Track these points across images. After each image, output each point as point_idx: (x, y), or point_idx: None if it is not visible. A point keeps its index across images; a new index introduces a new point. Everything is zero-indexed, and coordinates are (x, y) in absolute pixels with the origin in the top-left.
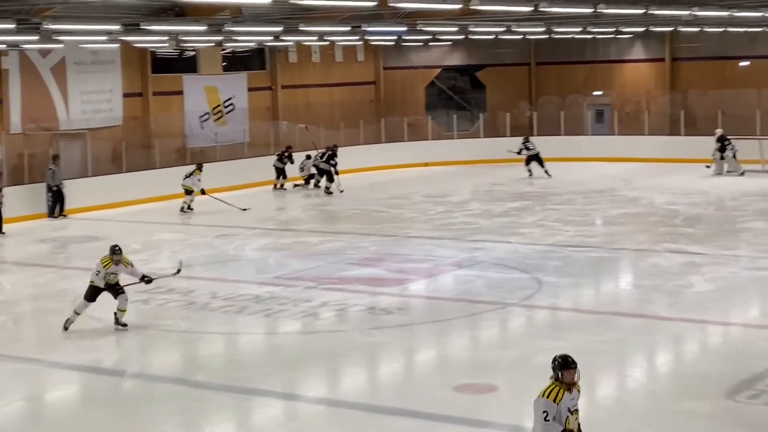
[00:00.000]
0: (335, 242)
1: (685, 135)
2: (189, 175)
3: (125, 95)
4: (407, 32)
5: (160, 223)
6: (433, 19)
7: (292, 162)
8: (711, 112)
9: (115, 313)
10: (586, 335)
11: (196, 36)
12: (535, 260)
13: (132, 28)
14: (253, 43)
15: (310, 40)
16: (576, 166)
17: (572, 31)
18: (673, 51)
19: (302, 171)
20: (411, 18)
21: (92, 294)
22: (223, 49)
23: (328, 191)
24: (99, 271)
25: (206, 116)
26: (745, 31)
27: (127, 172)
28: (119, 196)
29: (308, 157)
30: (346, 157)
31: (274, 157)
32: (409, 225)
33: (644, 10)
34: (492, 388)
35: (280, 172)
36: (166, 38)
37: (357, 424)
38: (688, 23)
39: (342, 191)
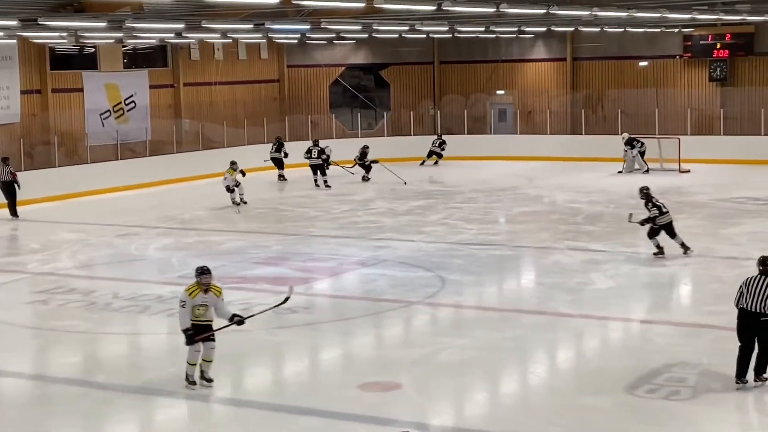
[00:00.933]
0: (239, 241)
1: (586, 134)
2: (225, 178)
3: (23, 92)
4: (311, 30)
5: (60, 222)
6: (337, 18)
7: (286, 155)
8: (611, 112)
9: (200, 365)
10: (489, 332)
11: (95, 32)
12: (439, 258)
13: (30, 23)
14: (155, 40)
15: (213, 38)
16: (479, 165)
17: (475, 31)
18: (575, 51)
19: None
20: (315, 16)
21: (191, 338)
22: (124, 46)
23: (365, 179)
24: (184, 302)
25: (107, 114)
26: (644, 32)
27: (26, 170)
28: (17, 194)
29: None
30: (251, 154)
31: (270, 151)
32: (312, 224)
33: (546, 10)
34: (396, 386)
35: (279, 163)
36: (65, 34)
37: (262, 424)
38: (588, 23)
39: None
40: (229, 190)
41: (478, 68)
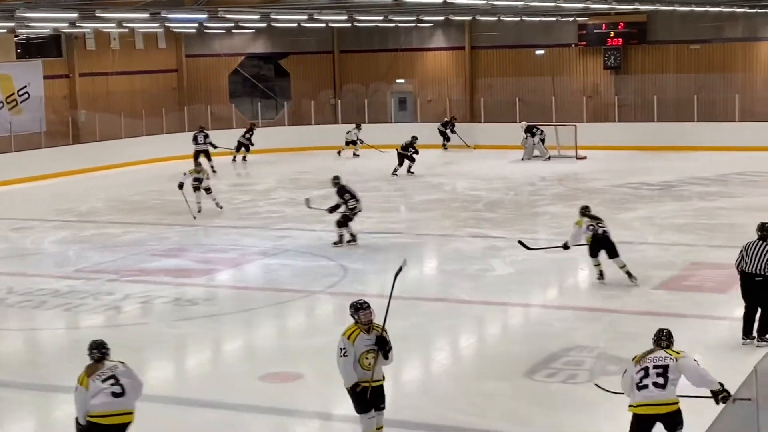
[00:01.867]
0: (138, 233)
1: (485, 122)
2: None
3: None
4: (209, 19)
5: None
6: (235, 7)
7: (252, 143)
8: (509, 100)
9: None
10: (392, 320)
11: None
12: (341, 248)
13: None
14: (48, 30)
15: (109, 27)
16: (380, 153)
17: (374, 20)
18: (473, 39)
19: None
20: (212, 5)
21: (362, 397)
22: (17, 36)
23: (410, 171)
24: (345, 349)
25: (0, 105)
26: (540, 20)
27: None
28: None
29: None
30: (150, 145)
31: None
32: (214, 214)
33: (443, 0)
34: (298, 376)
35: (243, 146)
36: None
37: (162, 417)
38: (486, 12)
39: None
40: (180, 187)
41: (378, 57)
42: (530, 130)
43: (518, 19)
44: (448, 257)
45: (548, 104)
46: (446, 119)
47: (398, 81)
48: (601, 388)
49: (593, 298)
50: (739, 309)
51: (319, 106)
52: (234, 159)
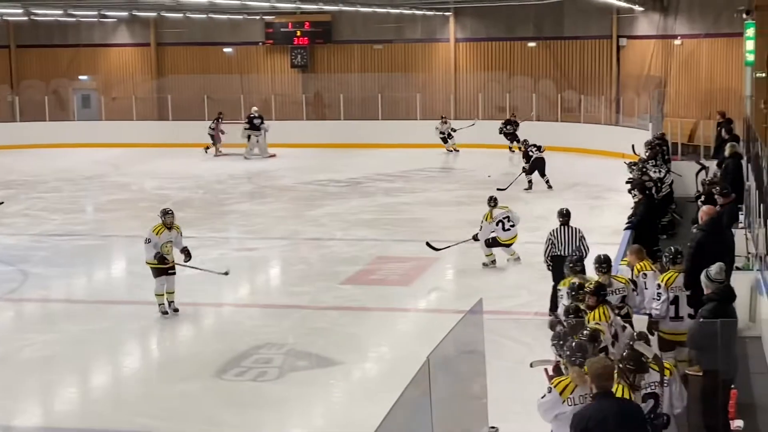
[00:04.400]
0: None
1: (173, 120)
2: None
3: None
4: None
5: None
6: None
7: (223, 132)
8: (198, 97)
9: None
10: (78, 325)
11: None
12: (20, 251)
13: None
14: None
15: None
16: (63, 153)
17: (53, 14)
18: (159, 36)
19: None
20: None
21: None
22: None
23: (548, 185)
24: None
25: None
26: (228, 18)
27: None
28: None
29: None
30: None
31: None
32: None
33: None
34: None
35: (213, 138)
36: None
37: None
38: (171, 9)
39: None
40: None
41: (58, 53)
42: (251, 121)
43: (205, 16)
44: (136, 259)
45: (237, 102)
46: (509, 118)
47: (81, 78)
48: (430, 246)
49: (282, 295)
50: (422, 301)
51: None
52: (217, 152)
